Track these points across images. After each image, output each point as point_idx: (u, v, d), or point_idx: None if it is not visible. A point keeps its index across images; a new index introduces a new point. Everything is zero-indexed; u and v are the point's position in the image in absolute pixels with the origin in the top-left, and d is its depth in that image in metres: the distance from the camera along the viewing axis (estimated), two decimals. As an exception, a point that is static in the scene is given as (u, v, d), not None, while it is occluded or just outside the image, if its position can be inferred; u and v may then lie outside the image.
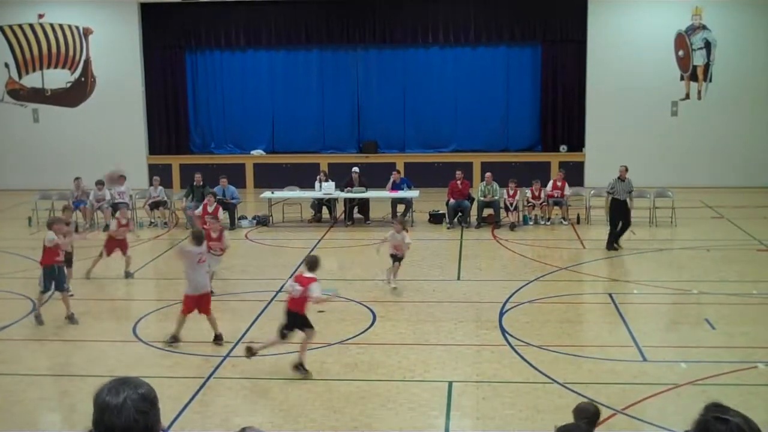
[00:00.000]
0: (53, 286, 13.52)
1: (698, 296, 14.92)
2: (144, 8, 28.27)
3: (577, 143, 28.01)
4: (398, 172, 23.11)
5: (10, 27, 28.50)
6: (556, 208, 21.97)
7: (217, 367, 11.35)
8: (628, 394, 10.20)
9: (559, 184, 22.03)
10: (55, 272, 13.44)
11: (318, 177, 22.66)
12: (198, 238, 12.50)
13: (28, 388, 10.87)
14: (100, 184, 22.12)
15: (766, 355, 11.59)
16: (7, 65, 28.71)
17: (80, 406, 10.21)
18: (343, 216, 22.38)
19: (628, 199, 18.93)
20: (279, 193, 23.06)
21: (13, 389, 10.85)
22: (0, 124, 28.84)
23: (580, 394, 10.09)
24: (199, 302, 12.17)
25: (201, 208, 16.39)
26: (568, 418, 7.04)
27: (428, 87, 28.78)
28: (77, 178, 22.52)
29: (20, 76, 28.79)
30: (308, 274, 10.86)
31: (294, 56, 29.25)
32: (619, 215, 18.70)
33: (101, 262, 16.57)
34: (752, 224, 21.07)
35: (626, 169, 19.23)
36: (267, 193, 22.76)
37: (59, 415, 10.37)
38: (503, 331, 12.77)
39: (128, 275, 16.59)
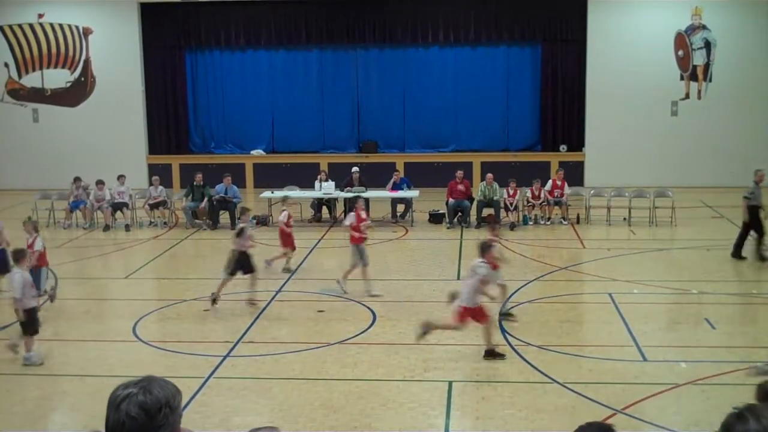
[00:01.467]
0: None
1: (698, 296, 14.92)
2: (144, 8, 28.26)
3: (577, 143, 28.01)
4: (398, 172, 23.14)
5: (10, 27, 28.50)
6: (556, 207, 21.96)
7: (217, 367, 11.35)
8: (628, 394, 10.20)
9: (558, 183, 22.03)
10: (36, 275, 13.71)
11: (318, 177, 22.66)
12: (484, 247, 12.14)
13: (28, 388, 10.87)
14: (100, 183, 22.15)
15: (766, 355, 11.58)
16: (7, 65, 28.71)
17: (80, 405, 10.22)
18: (342, 216, 22.37)
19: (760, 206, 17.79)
20: (279, 193, 23.03)
21: (13, 389, 10.85)
22: (0, 123, 28.83)
23: (580, 394, 10.11)
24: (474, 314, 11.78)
25: (353, 216, 15.40)
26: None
27: (428, 87, 28.78)
28: (77, 178, 22.52)
29: (20, 76, 28.79)
30: None
31: (294, 56, 29.24)
32: (758, 221, 17.62)
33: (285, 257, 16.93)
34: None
35: (764, 175, 18.27)
36: (267, 193, 22.75)
37: (59, 415, 10.37)
38: (503, 330, 12.77)
39: (289, 271, 16.77)
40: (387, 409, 9.92)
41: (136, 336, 12.89)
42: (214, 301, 14.10)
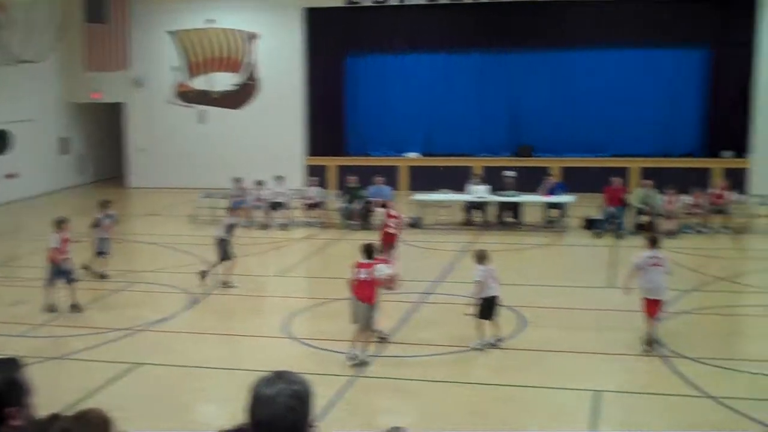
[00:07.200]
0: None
1: None
2: (308, 13, 28.95)
3: (741, 149, 26.74)
4: (551, 176, 22.79)
5: (186, 32, 29.81)
6: (718, 216, 21.05)
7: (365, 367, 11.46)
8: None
9: (721, 191, 21.18)
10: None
11: (472, 180, 22.60)
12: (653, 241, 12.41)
13: (183, 380, 11.30)
14: (260, 183, 22.85)
15: None
16: (178, 68, 30.02)
17: (232, 397, 10.55)
18: (495, 220, 22.23)
19: None
20: (432, 196, 23.10)
21: (173, 384, 11.31)
22: (169, 124, 30.22)
23: (733, 409, 9.70)
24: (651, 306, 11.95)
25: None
26: None
27: (586, 90, 28.18)
28: (238, 178, 23.27)
29: (190, 79, 30.06)
30: None
31: (451, 59, 29.28)
32: None
33: None
34: None
35: None
36: (419, 196, 22.87)
37: (210, 407, 10.73)
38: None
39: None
40: (531, 416, 9.83)
41: (287, 333, 13.19)
42: None
